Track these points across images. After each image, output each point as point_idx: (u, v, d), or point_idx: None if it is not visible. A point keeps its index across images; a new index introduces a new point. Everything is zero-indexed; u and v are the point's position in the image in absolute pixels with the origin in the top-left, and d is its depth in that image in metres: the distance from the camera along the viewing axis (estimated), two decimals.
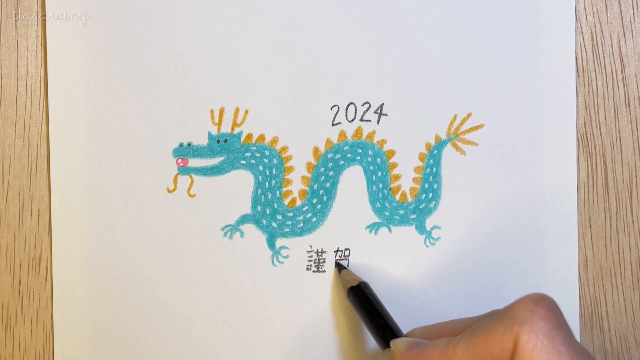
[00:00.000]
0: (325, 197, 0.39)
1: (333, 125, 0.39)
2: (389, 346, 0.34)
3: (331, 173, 0.39)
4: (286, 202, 0.38)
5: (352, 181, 0.39)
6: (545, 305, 0.28)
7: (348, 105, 0.39)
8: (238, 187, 0.38)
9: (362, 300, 0.36)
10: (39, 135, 0.37)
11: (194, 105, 0.37)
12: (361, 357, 0.39)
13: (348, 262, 0.39)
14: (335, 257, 0.39)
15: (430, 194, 0.39)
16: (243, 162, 0.38)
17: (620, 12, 0.41)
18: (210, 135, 0.38)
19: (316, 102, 0.38)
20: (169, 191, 0.38)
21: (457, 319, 0.34)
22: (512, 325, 0.28)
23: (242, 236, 0.38)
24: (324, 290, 0.39)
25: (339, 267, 0.38)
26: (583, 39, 0.41)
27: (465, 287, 0.40)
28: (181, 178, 0.38)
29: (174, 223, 0.38)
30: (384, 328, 0.35)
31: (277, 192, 0.38)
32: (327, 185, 0.39)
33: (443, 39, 0.39)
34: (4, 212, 0.37)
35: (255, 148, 0.38)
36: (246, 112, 0.38)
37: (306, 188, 0.39)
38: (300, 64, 0.38)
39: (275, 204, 0.38)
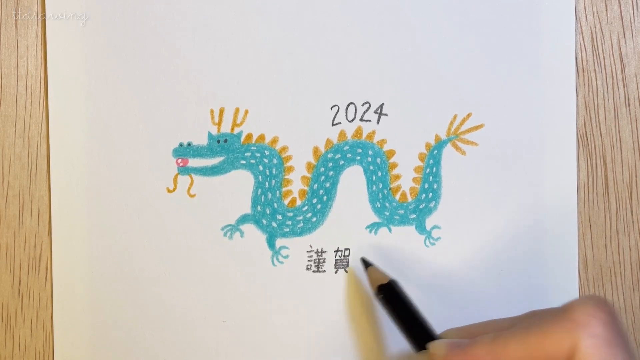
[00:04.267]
0: (325, 197, 0.39)
1: (333, 125, 0.39)
2: (423, 347, 0.33)
3: (331, 173, 0.39)
4: (286, 202, 0.38)
5: (352, 181, 0.39)
6: (607, 311, 0.28)
7: (348, 105, 0.39)
8: (238, 187, 0.38)
9: (393, 299, 0.35)
10: (39, 135, 0.37)
11: (194, 105, 0.37)
12: (361, 357, 0.39)
13: (348, 262, 0.39)
14: (335, 257, 0.39)
15: (430, 194, 0.39)
16: (243, 162, 0.38)
17: (620, 12, 0.41)
18: (210, 135, 0.38)
19: (316, 102, 0.38)
20: (169, 191, 0.38)
21: (493, 320, 0.34)
22: (572, 329, 0.27)
23: (242, 236, 0.38)
24: (323, 290, 0.39)
25: (365, 264, 0.38)
26: (583, 39, 0.41)
27: (465, 287, 0.40)
28: (181, 178, 0.38)
29: (174, 223, 0.38)
30: (417, 328, 0.34)
31: (277, 192, 0.38)
32: (327, 185, 0.39)
33: (443, 39, 0.39)
34: (4, 212, 0.37)
35: (255, 148, 0.38)
36: (246, 112, 0.38)
37: (306, 188, 0.39)
38: (300, 64, 0.38)
39: (275, 204, 0.38)
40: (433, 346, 0.32)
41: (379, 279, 0.36)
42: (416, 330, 0.34)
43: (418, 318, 0.34)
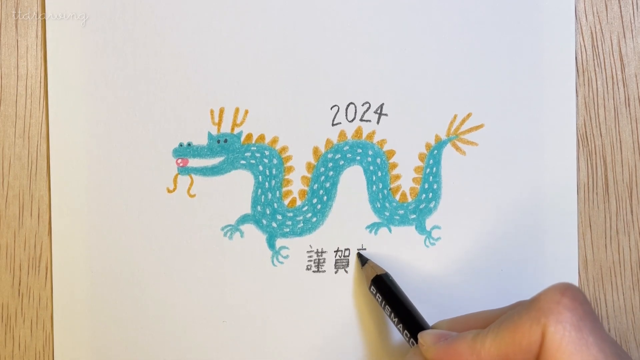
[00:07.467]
0: (325, 197, 0.39)
1: (333, 125, 0.39)
2: (415, 338, 0.33)
3: (331, 173, 0.39)
4: (286, 202, 0.38)
5: (352, 181, 0.39)
6: (571, 296, 0.28)
7: (348, 105, 0.39)
8: (238, 187, 0.38)
9: (386, 291, 0.36)
10: (39, 135, 0.37)
11: (194, 105, 0.37)
12: (361, 357, 0.39)
13: (348, 262, 0.39)
14: (335, 257, 0.39)
15: (430, 194, 0.39)
16: (243, 162, 0.38)
17: (620, 12, 0.41)
18: (210, 135, 0.38)
19: (316, 102, 0.38)
20: (169, 191, 0.38)
21: (485, 311, 0.34)
22: (538, 317, 0.27)
23: (242, 236, 0.38)
24: (324, 290, 0.39)
25: (362, 259, 0.38)
26: (583, 39, 0.41)
27: (465, 287, 0.40)
28: (181, 178, 0.38)
29: (174, 223, 0.38)
30: (409, 320, 0.35)
31: (277, 192, 0.38)
32: (327, 185, 0.39)
33: (443, 39, 0.39)
34: (4, 212, 0.37)
35: (255, 148, 0.38)
36: (246, 112, 0.38)
37: (306, 188, 0.39)
38: (300, 64, 0.38)
39: (275, 204, 0.38)
40: (422, 336, 0.32)
41: (373, 272, 0.37)
42: (408, 321, 0.35)
43: (410, 310, 0.35)
